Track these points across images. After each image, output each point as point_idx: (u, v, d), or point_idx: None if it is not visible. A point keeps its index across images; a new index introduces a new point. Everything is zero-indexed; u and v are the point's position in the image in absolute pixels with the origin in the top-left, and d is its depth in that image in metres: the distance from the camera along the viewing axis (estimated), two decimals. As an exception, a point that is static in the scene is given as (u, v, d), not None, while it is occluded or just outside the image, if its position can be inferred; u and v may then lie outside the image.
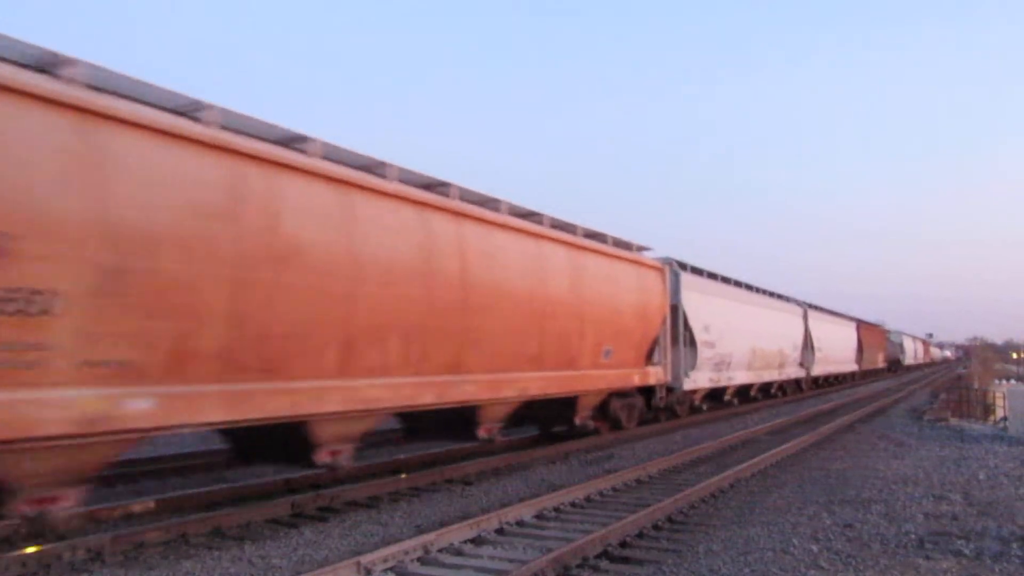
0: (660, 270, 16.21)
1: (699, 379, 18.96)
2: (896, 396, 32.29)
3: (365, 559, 6.18)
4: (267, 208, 7.19)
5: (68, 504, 6.07)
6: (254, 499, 8.89)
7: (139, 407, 6.11)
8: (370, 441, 12.81)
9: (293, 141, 7.88)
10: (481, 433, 10.46)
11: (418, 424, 10.72)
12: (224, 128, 7.01)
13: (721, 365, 20.35)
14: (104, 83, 6.25)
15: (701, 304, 19.01)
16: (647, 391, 15.93)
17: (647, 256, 15.98)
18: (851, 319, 43.57)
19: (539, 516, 8.24)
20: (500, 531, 7.56)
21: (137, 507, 8.24)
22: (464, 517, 7.96)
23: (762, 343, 24.06)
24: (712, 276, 21.59)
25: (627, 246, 14.99)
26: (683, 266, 18.94)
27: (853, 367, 42.47)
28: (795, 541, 7.14)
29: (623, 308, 14.06)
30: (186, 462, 11.35)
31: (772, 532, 7.51)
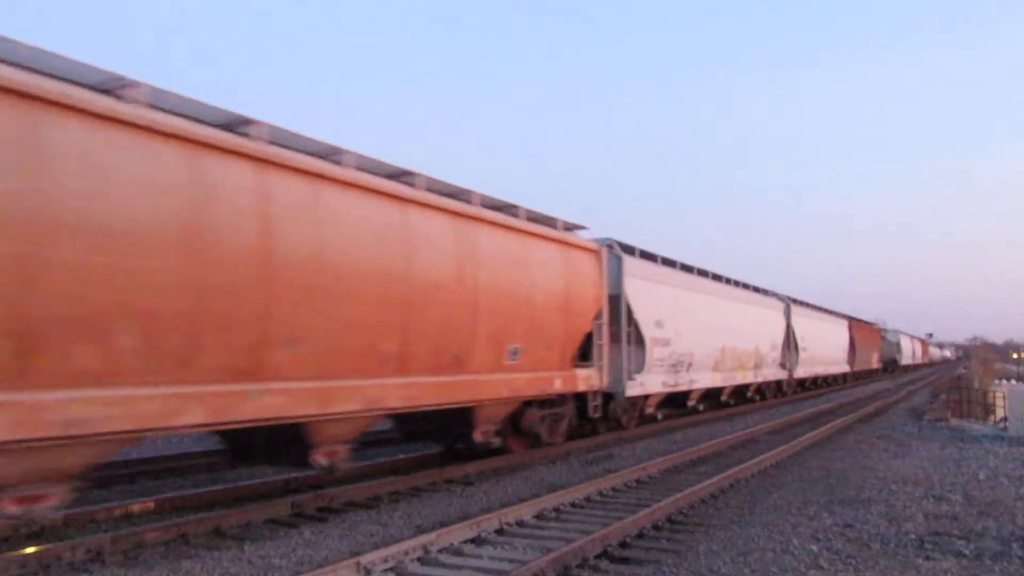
0: (595, 252, 13.53)
1: (649, 383, 16.03)
2: (884, 401, 32.23)
3: (365, 559, 6.17)
4: None
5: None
6: (254, 499, 8.89)
7: None
8: (366, 440, 12.83)
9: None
10: (318, 459, 8.15)
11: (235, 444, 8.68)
12: None
13: (680, 366, 17.56)
14: None
15: (652, 295, 16.20)
16: (584, 399, 13.54)
17: (581, 236, 13.44)
18: (842, 316, 40.83)
19: (539, 516, 8.24)
20: (500, 531, 7.56)
21: (136, 507, 8.25)
22: (464, 517, 7.96)
23: (734, 341, 21.30)
24: (670, 263, 18.65)
25: (548, 222, 12.34)
26: (628, 249, 16.20)
27: (844, 368, 39.69)
28: (795, 541, 7.13)
29: (539, 297, 11.41)
30: (187, 462, 11.35)
31: (772, 532, 7.51)
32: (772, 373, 26.01)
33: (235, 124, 7.30)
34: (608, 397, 14.49)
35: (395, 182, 9.07)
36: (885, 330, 63.70)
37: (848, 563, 6.48)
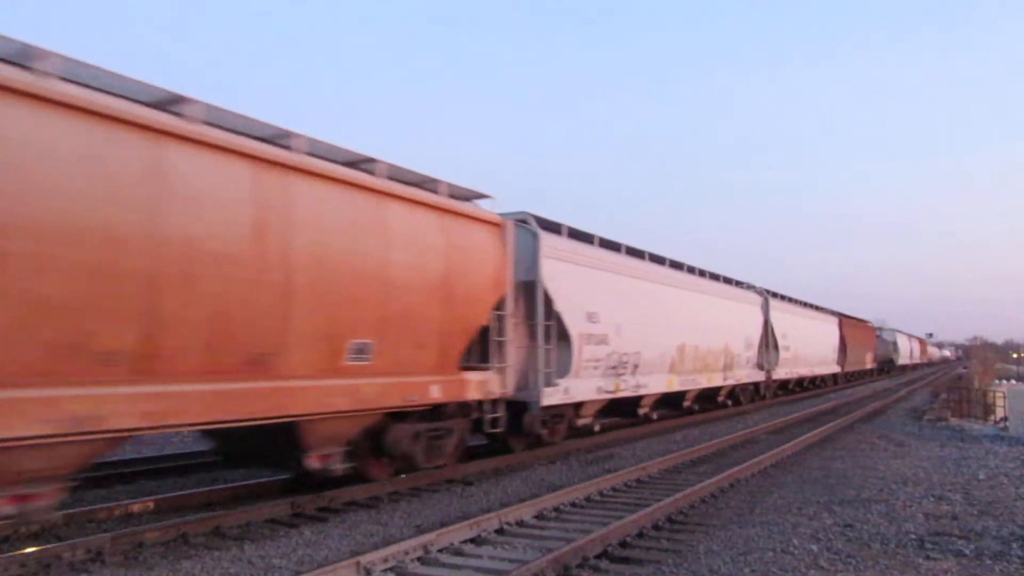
0: (496, 227, 10.84)
1: (578, 389, 13.14)
2: (884, 401, 32.23)
3: (365, 559, 6.18)
4: None
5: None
6: (254, 499, 8.89)
7: None
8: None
9: None
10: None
11: None
12: None
13: (623, 368, 14.66)
14: None
15: (582, 282, 13.37)
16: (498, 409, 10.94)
17: (481, 207, 10.82)
18: (832, 313, 38.07)
19: (539, 516, 8.24)
20: (500, 531, 7.56)
21: (136, 507, 8.25)
22: (464, 517, 7.96)
23: (696, 339, 18.39)
24: (612, 246, 15.60)
25: (424, 184, 9.70)
26: (550, 226, 13.29)
27: (833, 368, 36.82)
28: (795, 541, 7.13)
29: (401, 278, 8.81)
30: (186, 462, 11.35)
31: (772, 532, 7.51)
32: (747, 375, 23.06)
33: None
34: (522, 407, 11.93)
35: (149, 108, 6.57)
36: (881, 328, 61.14)
37: (848, 563, 6.48)
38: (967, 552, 6.87)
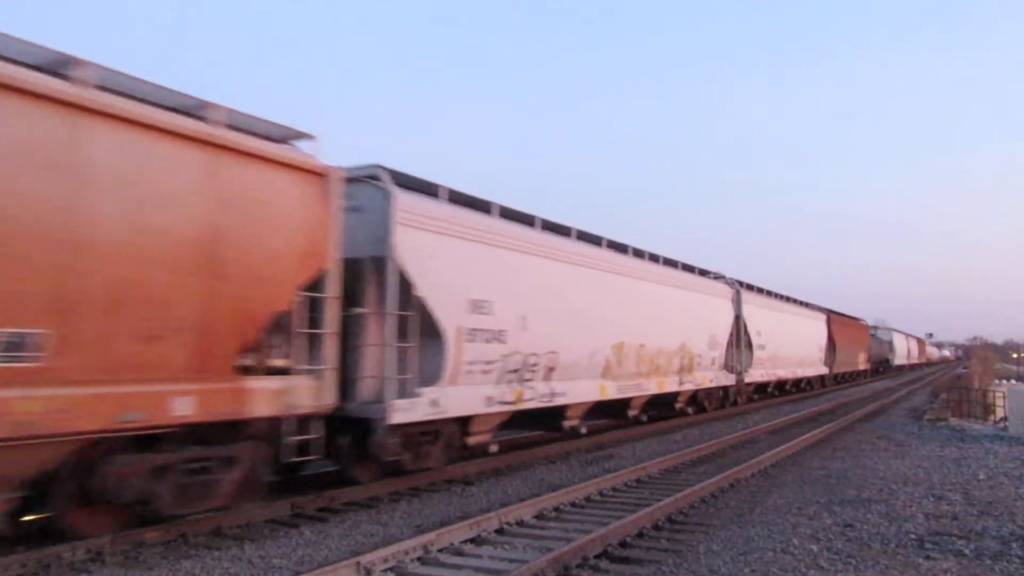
0: (314, 176, 8.11)
1: (455, 400, 10.01)
2: (883, 401, 32.21)
3: (365, 559, 6.18)
4: None
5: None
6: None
7: None
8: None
9: None
10: None
11: None
12: None
13: (529, 372, 11.63)
14: None
15: (466, 262, 10.29)
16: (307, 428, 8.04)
17: (293, 149, 8.14)
18: (819, 309, 34.89)
19: (539, 516, 8.24)
20: (500, 531, 7.56)
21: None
22: (464, 517, 7.96)
23: (639, 336, 15.29)
24: (518, 218, 12.10)
25: (189, 109, 7.06)
26: (413, 185, 9.96)
27: (820, 370, 33.96)
28: (795, 541, 7.14)
29: (111, 240, 6.21)
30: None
31: (772, 532, 7.51)
32: (712, 378, 20.03)
33: None
34: (364, 426, 8.99)
35: None
36: (876, 327, 57.68)
37: (848, 563, 6.48)
38: (967, 552, 6.87)
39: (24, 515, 6.67)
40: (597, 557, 6.71)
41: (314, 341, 8.12)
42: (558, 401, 12.52)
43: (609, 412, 15.58)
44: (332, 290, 8.26)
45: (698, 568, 6.33)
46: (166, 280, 6.63)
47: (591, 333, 13.50)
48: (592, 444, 14.21)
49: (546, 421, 13.18)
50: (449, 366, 9.88)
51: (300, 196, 7.95)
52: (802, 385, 32.41)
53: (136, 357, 6.43)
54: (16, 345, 5.61)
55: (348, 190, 8.75)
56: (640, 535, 7.47)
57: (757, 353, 23.57)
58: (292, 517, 8.23)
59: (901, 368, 66.74)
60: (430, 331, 9.65)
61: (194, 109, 7.05)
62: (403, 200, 9.35)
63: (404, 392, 9.26)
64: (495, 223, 11.30)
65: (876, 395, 32.56)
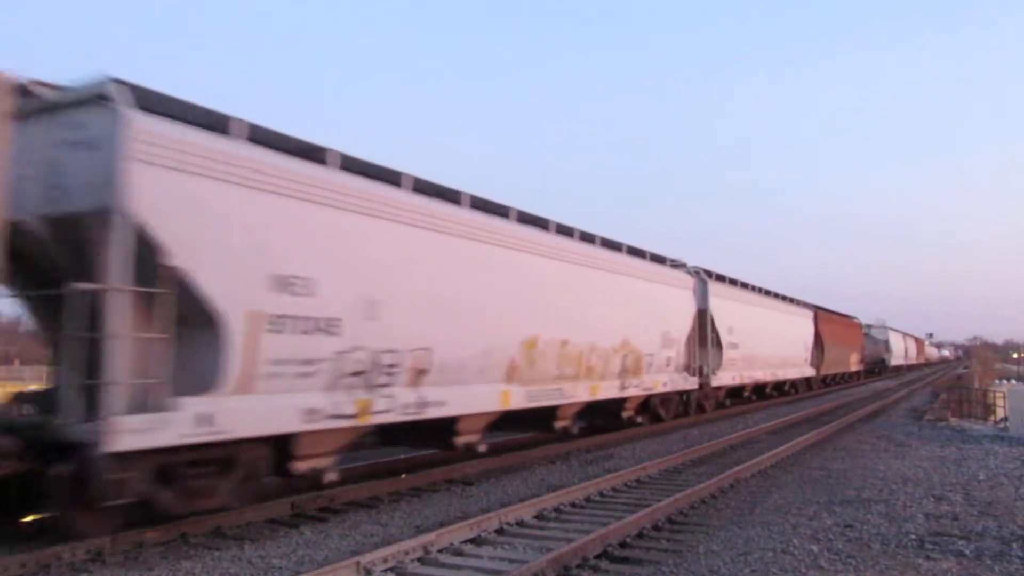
0: None
1: (246, 416, 7.27)
2: (884, 401, 32.20)
3: (365, 559, 6.18)
4: None
5: None
6: (254, 499, 8.86)
7: None
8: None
9: None
10: None
11: None
12: None
13: (383, 375, 8.85)
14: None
15: (263, 219, 7.60)
16: None
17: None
18: (805, 306, 31.83)
19: (539, 516, 8.24)
20: (500, 531, 7.56)
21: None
22: (464, 517, 7.96)
23: (564, 330, 12.45)
24: (375, 175, 9.29)
25: None
26: (173, 112, 7.20)
27: (806, 371, 30.97)
28: (795, 541, 7.14)
29: None
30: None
31: (772, 532, 7.51)
32: (667, 382, 16.99)
33: None
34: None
35: None
36: (871, 326, 54.50)
37: (848, 563, 6.48)
38: (967, 552, 6.87)
39: (24, 515, 6.70)
40: (597, 557, 6.71)
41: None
42: (432, 413, 9.60)
43: (529, 423, 12.89)
44: None
45: (698, 568, 6.33)
46: None
47: (486, 326, 10.60)
48: (592, 444, 14.21)
49: (429, 436, 10.44)
50: (235, 367, 7.13)
51: None
52: (786, 388, 29.40)
53: None
54: None
55: (75, 118, 6.68)
56: (640, 535, 7.47)
57: (728, 352, 20.76)
58: (292, 517, 8.24)
59: (898, 369, 64.07)
60: (200, 317, 6.93)
61: None
62: (146, 127, 6.61)
63: (147, 404, 6.55)
64: (329, 176, 8.48)
65: (877, 395, 32.57)
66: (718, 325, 20.07)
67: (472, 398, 10.41)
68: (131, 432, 6.30)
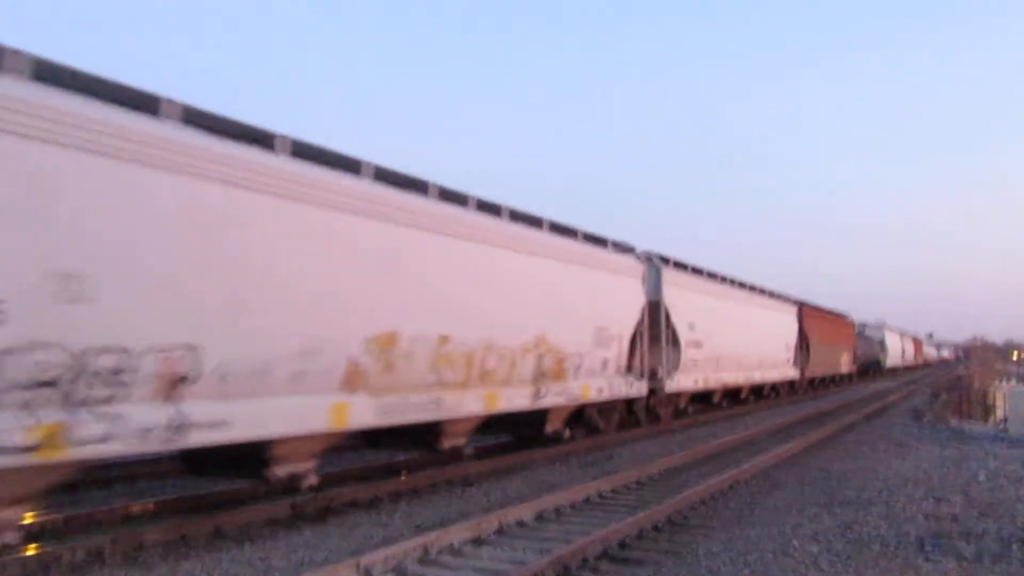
0: None
1: None
2: (884, 401, 32.17)
3: (365, 560, 6.18)
4: None
5: None
6: (254, 499, 8.89)
7: None
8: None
9: None
10: None
11: None
12: None
13: (96, 384, 5.89)
14: None
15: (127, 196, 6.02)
16: None
17: None
18: (787, 300, 28.64)
19: (539, 517, 8.24)
20: (500, 531, 7.56)
21: (136, 508, 8.25)
22: (464, 517, 7.96)
23: (438, 323, 9.52)
24: (88, 88, 6.11)
25: None
26: None
27: (788, 373, 27.70)
28: (795, 542, 7.14)
29: None
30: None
31: (772, 533, 7.51)
32: (603, 388, 14.01)
33: None
34: None
35: None
36: (864, 324, 51.03)
37: (848, 564, 6.48)
38: (967, 553, 6.87)
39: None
40: (597, 558, 6.71)
41: None
42: (201, 439, 6.69)
43: (399, 442, 10.31)
44: None
45: (698, 569, 6.33)
46: None
47: (304, 316, 7.73)
48: (592, 445, 14.20)
49: (229, 467, 7.92)
50: None
51: None
52: (765, 392, 26.05)
53: None
54: None
55: None
56: (640, 536, 7.47)
57: (689, 352, 17.69)
58: (292, 518, 8.23)
59: (894, 371, 60.02)
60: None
61: None
62: None
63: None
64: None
65: (877, 395, 32.54)
66: (675, 320, 17.09)
67: (281, 416, 7.48)
68: None
